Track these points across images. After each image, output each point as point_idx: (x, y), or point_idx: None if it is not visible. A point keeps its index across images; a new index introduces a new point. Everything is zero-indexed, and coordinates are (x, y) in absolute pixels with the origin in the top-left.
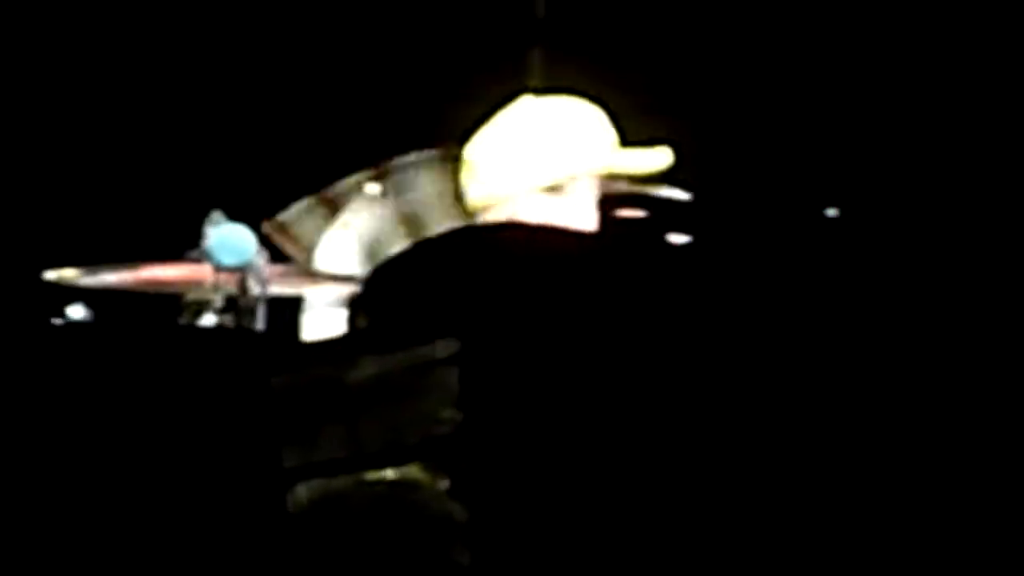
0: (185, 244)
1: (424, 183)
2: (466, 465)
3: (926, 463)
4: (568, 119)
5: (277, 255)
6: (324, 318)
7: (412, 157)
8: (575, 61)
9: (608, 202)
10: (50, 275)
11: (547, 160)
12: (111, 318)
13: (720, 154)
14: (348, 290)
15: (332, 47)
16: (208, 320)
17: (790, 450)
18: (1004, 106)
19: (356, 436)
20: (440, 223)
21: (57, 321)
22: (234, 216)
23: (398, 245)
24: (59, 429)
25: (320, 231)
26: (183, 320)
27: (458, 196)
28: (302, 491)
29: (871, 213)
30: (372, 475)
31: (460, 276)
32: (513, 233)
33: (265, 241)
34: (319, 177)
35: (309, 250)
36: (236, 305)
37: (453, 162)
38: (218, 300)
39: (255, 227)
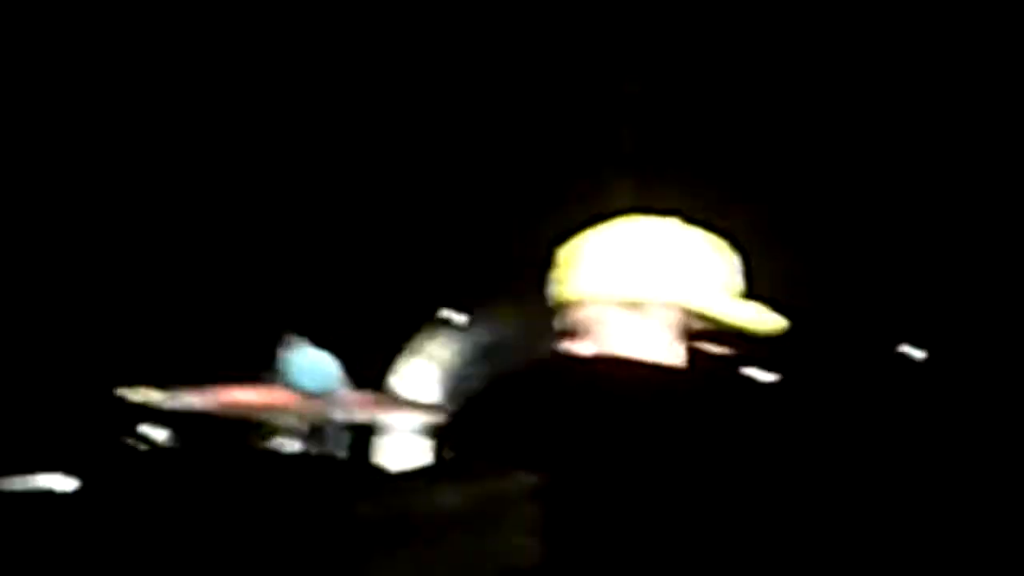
0: (260, 366)
1: (506, 316)
2: None
3: None
4: (660, 240)
5: (359, 381)
6: (404, 445)
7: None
8: (659, 186)
9: (694, 335)
10: (132, 396)
11: (636, 275)
12: (194, 441)
13: (809, 286)
14: (428, 418)
15: (426, 173)
16: (290, 445)
17: None
18: None
19: (434, 564)
20: (521, 354)
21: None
22: (317, 342)
23: (479, 375)
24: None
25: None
26: (264, 444)
27: (544, 326)
28: None
29: (956, 357)
30: None
31: (544, 409)
32: (598, 366)
33: (347, 367)
34: (407, 304)
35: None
36: (318, 430)
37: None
38: (298, 425)
39: (337, 353)
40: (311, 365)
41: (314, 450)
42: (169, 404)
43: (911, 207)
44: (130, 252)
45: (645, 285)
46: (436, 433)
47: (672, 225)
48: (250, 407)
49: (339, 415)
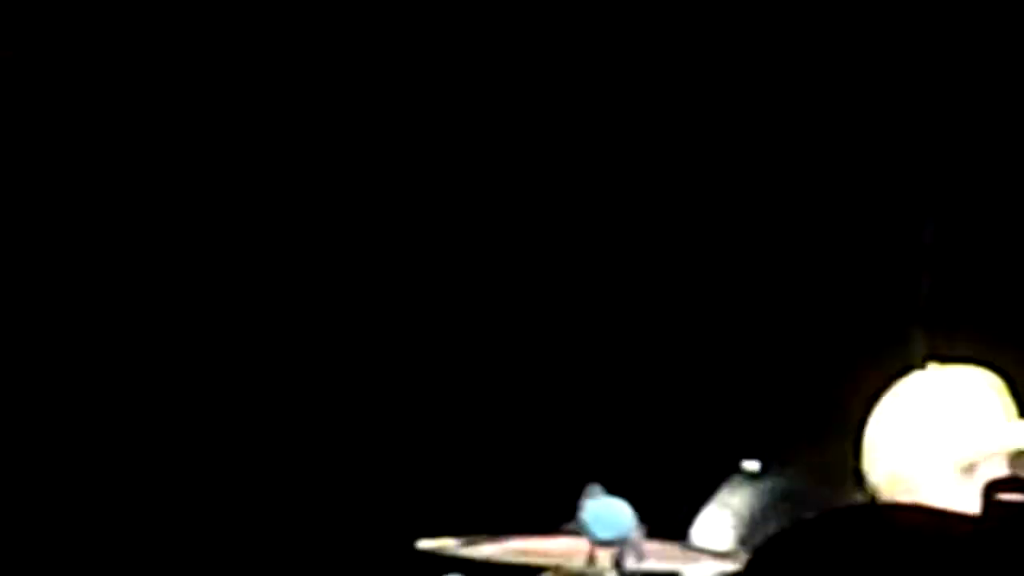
0: (562, 517)
1: (802, 465)
2: None
3: None
4: (972, 391)
5: (654, 530)
6: None
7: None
8: (957, 337)
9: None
10: (427, 544)
11: (959, 436)
12: None
13: None
14: (724, 567)
15: (712, 327)
16: None
17: None
18: None
19: None
20: (818, 501)
21: None
22: (613, 490)
23: (776, 522)
24: None
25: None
26: None
27: (840, 475)
28: None
29: None
30: None
31: (848, 558)
32: (906, 515)
33: (642, 516)
34: (710, 453)
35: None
36: None
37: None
38: (593, 574)
39: (633, 501)
40: (607, 514)
41: None
42: (464, 552)
43: None
44: (443, 392)
45: (968, 443)
46: None
47: (955, 371)
48: (545, 555)
49: (632, 564)
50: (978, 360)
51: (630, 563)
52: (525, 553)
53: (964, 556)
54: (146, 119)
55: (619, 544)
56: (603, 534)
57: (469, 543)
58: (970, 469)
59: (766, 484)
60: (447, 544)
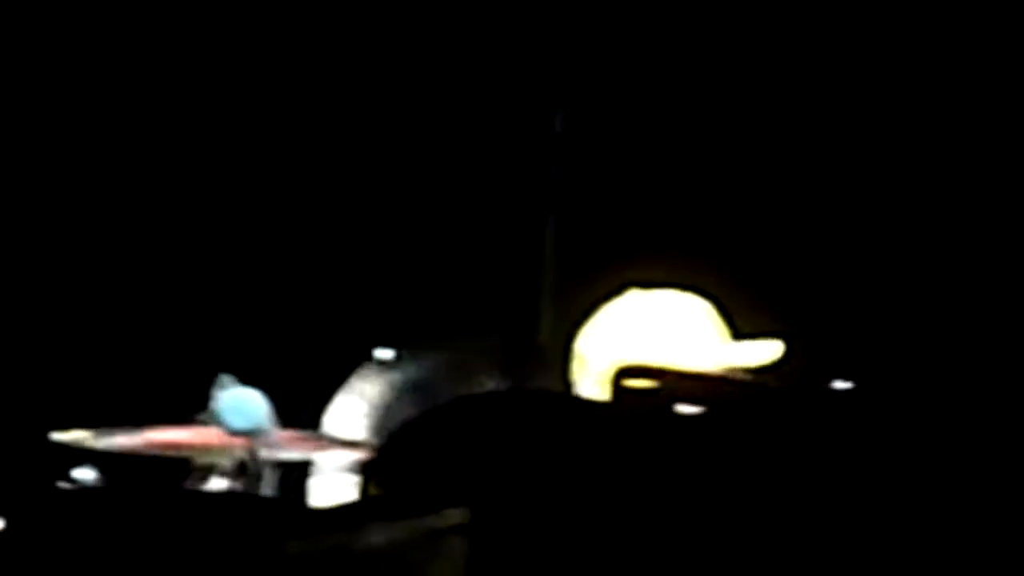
0: (193, 407)
1: (434, 355)
2: None
3: None
4: (678, 312)
5: (287, 420)
6: (333, 483)
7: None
8: (675, 258)
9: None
10: (59, 436)
11: (660, 355)
12: (120, 481)
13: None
14: (356, 455)
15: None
16: (218, 484)
17: None
18: None
19: None
20: (450, 392)
21: (65, 484)
22: (246, 380)
23: (406, 412)
24: None
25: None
26: (192, 483)
27: (472, 368)
28: None
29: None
30: None
31: (470, 444)
32: (537, 400)
33: (275, 406)
34: (342, 343)
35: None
36: (246, 469)
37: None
38: (228, 464)
39: (270, 393)
40: (241, 404)
41: (242, 488)
42: (98, 444)
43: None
44: (67, 283)
45: (669, 361)
46: (363, 470)
47: (664, 294)
48: (179, 446)
49: (268, 453)
50: (690, 285)
51: (264, 452)
52: (158, 445)
53: (590, 438)
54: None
55: (253, 434)
56: (237, 424)
57: (102, 435)
58: None
59: (399, 374)
60: (81, 436)
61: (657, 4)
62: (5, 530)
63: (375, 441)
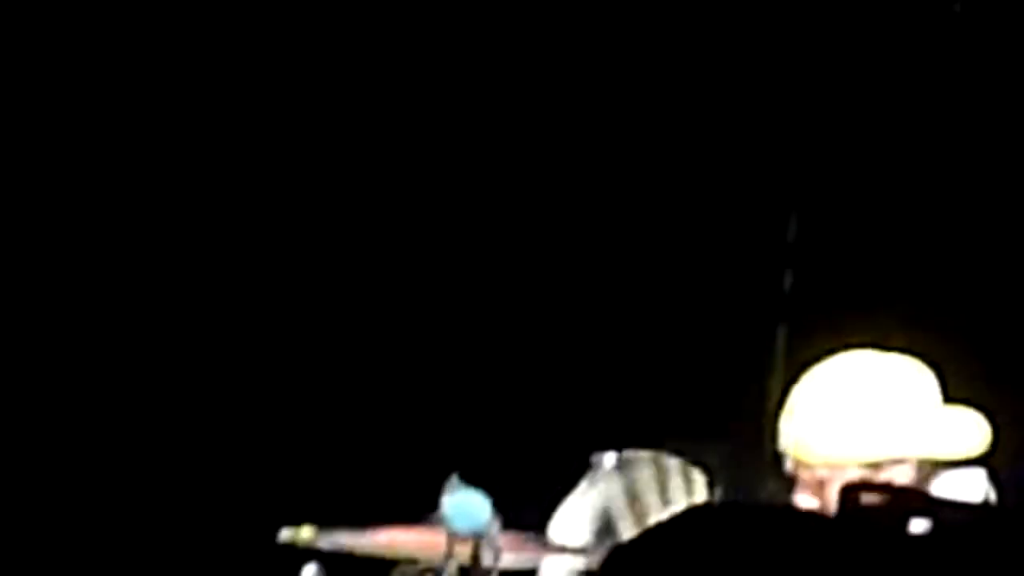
0: (424, 508)
1: (647, 464)
2: None
3: None
4: (906, 378)
5: (511, 523)
6: None
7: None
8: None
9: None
10: (286, 534)
11: (880, 430)
12: None
13: None
14: (581, 562)
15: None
16: None
17: None
18: None
19: None
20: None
21: None
22: (472, 483)
23: (630, 520)
24: None
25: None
26: None
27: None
28: None
29: None
30: None
31: (701, 559)
32: (758, 515)
33: (500, 509)
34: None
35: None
36: (470, 574)
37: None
38: (452, 568)
39: (492, 494)
40: (466, 507)
41: None
42: (323, 543)
43: None
44: (303, 385)
45: (886, 444)
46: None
47: (892, 362)
48: (402, 547)
49: (490, 558)
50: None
51: (487, 557)
52: (384, 545)
53: (815, 557)
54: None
55: (477, 537)
56: (462, 527)
57: (327, 534)
58: (878, 468)
59: (624, 479)
60: (305, 535)
61: (886, 101)
62: None
63: (599, 548)
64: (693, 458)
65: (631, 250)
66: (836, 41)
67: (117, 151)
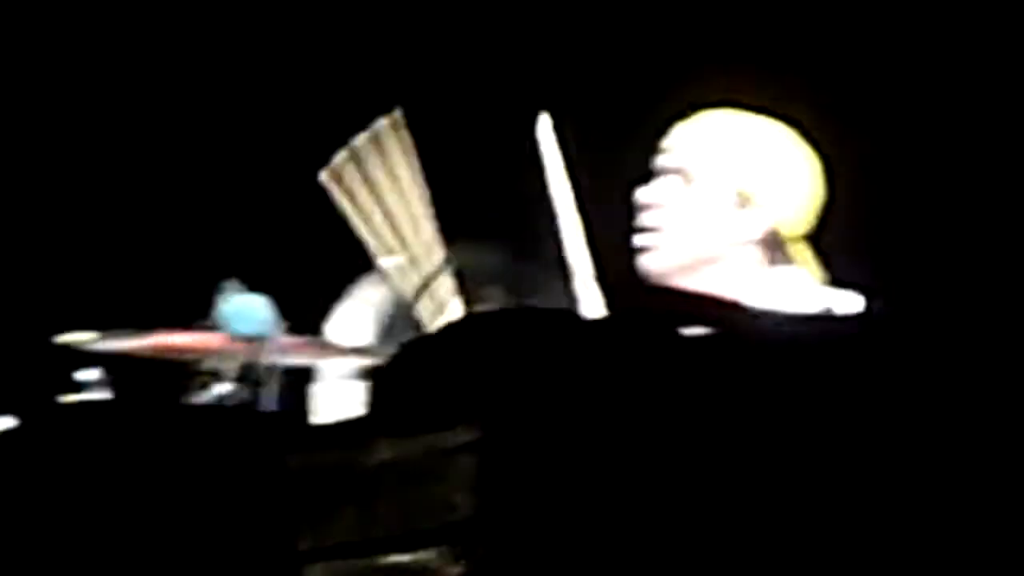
0: (198, 312)
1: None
2: (482, 552)
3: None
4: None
5: (293, 327)
6: (337, 390)
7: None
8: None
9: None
10: (63, 338)
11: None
12: (122, 385)
13: None
14: (362, 362)
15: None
16: (220, 390)
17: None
18: None
19: (371, 520)
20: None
21: (72, 386)
22: (250, 286)
23: (409, 323)
24: (67, 505)
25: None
26: (195, 389)
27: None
28: (315, 574)
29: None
30: (386, 560)
31: (481, 360)
32: (536, 318)
33: (281, 311)
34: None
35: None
36: (249, 375)
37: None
38: (232, 369)
39: (273, 297)
40: (245, 310)
41: (245, 394)
42: (101, 346)
43: None
44: (66, 195)
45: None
46: (370, 378)
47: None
48: (180, 350)
49: (272, 359)
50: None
51: (267, 358)
52: (162, 348)
53: (598, 357)
54: None
55: (257, 339)
56: (242, 329)
57: (107, 337)
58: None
59: (400, 283)
60: (82, 338)
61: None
62: (7, 434)
63: (379, 349)
64: (476, 260)
65: None
66: None
67: None
